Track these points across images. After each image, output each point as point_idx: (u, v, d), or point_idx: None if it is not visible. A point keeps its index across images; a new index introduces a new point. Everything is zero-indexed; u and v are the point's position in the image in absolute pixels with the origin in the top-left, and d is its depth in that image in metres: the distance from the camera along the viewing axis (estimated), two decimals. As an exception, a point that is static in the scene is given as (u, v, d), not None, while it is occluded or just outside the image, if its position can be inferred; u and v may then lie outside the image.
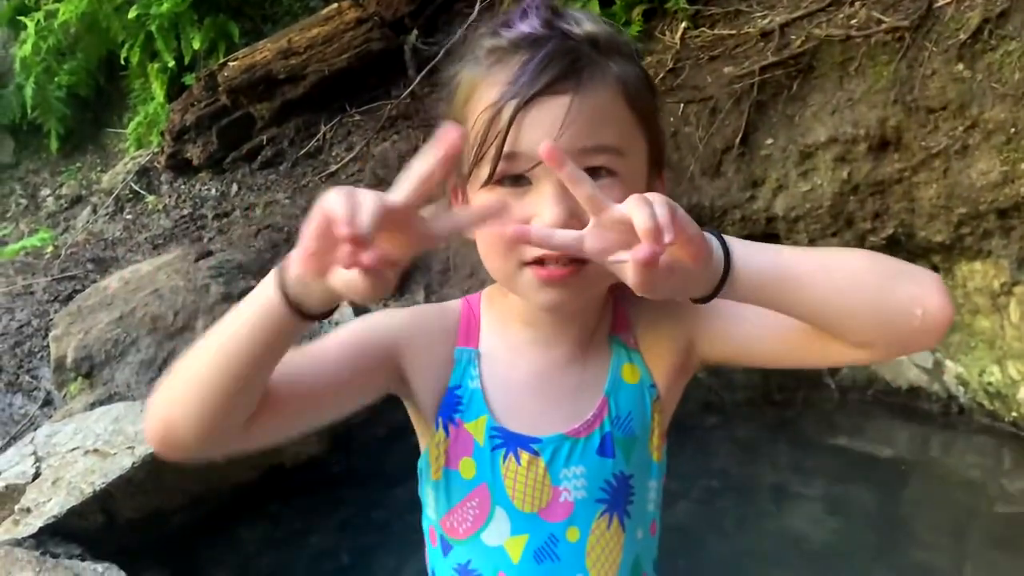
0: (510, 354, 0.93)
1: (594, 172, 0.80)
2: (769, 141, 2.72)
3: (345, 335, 0.92)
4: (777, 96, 2.74)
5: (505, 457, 0.90)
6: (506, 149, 0.82)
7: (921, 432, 2.73)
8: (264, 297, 0.74)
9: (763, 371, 2.80)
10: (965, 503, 2.45)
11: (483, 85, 0.85)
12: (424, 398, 0.93)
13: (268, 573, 1.97)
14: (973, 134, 2.45)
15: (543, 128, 0.80)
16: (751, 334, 0.88)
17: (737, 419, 2.69)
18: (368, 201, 0.67)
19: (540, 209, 0.81)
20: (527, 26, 0.84)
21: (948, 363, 2.77)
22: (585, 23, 0.86)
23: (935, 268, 2.71)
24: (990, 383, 2.61)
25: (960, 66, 2.46)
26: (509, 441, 0.90)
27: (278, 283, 0.73)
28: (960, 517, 2.43)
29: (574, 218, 0.78)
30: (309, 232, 0.67)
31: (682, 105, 2.86)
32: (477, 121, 0.84)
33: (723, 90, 2.78)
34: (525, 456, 0.89)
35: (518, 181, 0.83)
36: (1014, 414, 2.52)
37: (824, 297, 0.79)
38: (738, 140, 2.74)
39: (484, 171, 0.83)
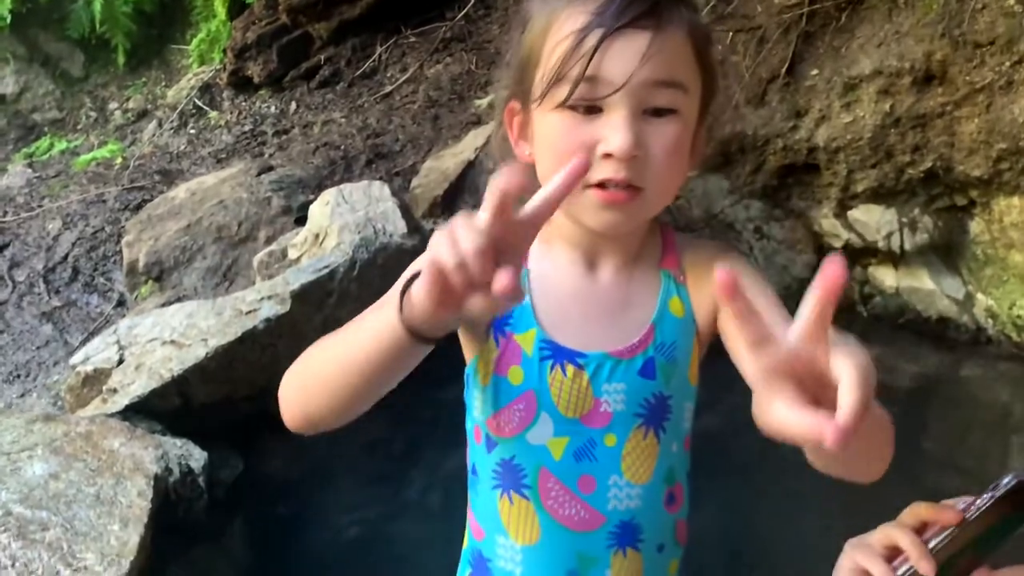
0: (557, 272, 0.99)
1: (659, 112, 0.90)
2: (814, 72, 2.76)
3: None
4: (825, 27, 2.77)
5: (552, 368, 0.96)
6: (588, 73, 0.86)
7: (949, 358, 2.81)
8: (388, 325, 0.80)
9: (797, 296, 2.90)
10: (989, 427, 2.54)
11: (564, 14, 0.89)
12: None
13: (325, 459, 2.15)
14: (1020, 70, 2.47)
15: (625, 58, 0.86)
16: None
17: (768, 341, 2.80)
18: (466, 237, 0.67)
19: (609, 135, 0.88)
20: None
21: (979, 296, 2.83)
22: None
23: (972, 203, 2.76)
24: (1020, 316, 2.67)
25: (1011, 0, 2.46)
26: (557, 353, 0.96)
27: (401, 317, 0.78)
28: (985, 441, 2.52)
29: (640, 147, 0.88)
30: (428, 286, 0.69)
31: (731, 34, 2.91)
32: (558, 47, 0.88)
33: (772, 20, 2.82)
34: (571, 368, 0.96)
35: (590, 109, 0.89)
36: (1040, 346, 2.60)
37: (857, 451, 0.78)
38: (784, 70, 2.78)
39: (561, 93, 0.89)
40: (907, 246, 2.83)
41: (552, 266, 0.99)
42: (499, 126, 1.01)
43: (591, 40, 0.86)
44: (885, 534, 0.84)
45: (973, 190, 2.73)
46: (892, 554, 0.83)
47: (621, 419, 0.97)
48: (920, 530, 0.82)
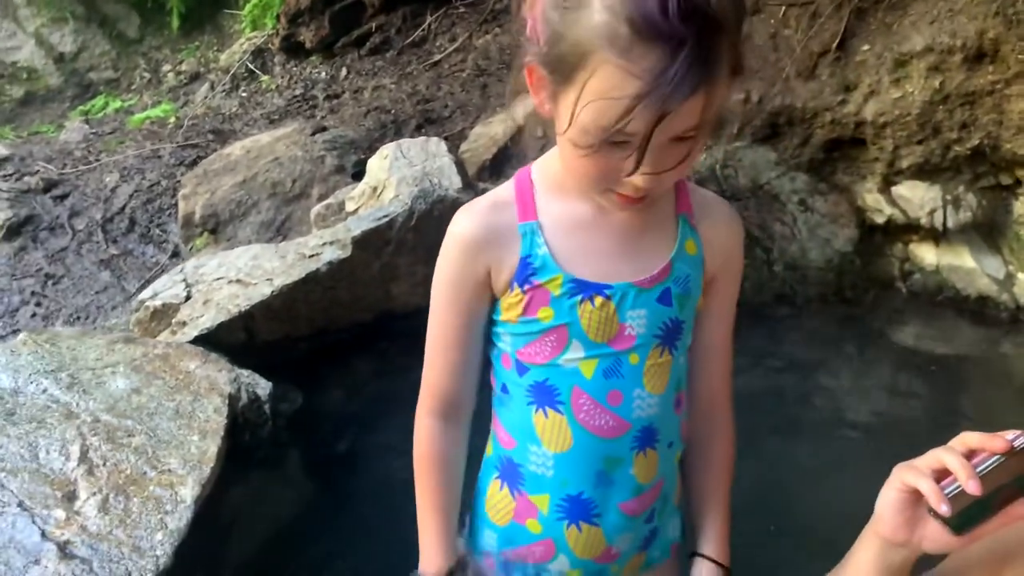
0: (574, 215, 1.06)
1: (682, 137, 0.91)
2: (865, 47, 2.80)
3: (451, 315, 1.12)
4: (878, 3, 2.81)
5: (581, 302, 1.05)
6: (627, 128, 0.87)
7: (987, 335, 2.84)
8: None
9: (838, 269, 2.95)
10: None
11: (611, 65, 0.85)
12: (500, 276, 1.07)
13: (379, 397, 2.24)
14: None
15: (671, 127, 0.88)
16: (699, 325, 1.15)
17: (808, 312, 2.85)
18: None
19: (632, 162, 0.92)
20: (662, 15, 0.82)
21: (1020, 275, 2.87)
22: None
23: (1017, 182, 2.79)
24: (1059, 295, 2.71)
25: (1066, -20, 2.49)
26: (584, 289, 1.05)
27: None
28: (1018, 414, 2.56)
29: (655, 179, 0.93)
30: None
31: (784, 7, 2.95)
32: (603, 101, 0.87)
33: (825, -6, 2.86)
34: (599, 299, 1.05)
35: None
36: (1079, 325, 2.63)
37: None
38: (835, 45, 2.82)
39: (592, 139, 0.90)
40: (950, 223, 2.86)
41: (568, 210, 1.06)
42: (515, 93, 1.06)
43: (644, 115, 0.85)
44: (934, 457, 0.89)
45: (1019, 170, 2.75)
46: (940, 476, 0.88)
47: (643, 340, 1.07)
48: (968, 456, 0.87)
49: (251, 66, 4.71)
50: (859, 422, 2.41)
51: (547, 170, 1.09)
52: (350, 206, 2.61)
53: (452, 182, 2.40)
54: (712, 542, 1.19)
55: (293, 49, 4.64)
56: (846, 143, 2.89)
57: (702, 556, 1.18)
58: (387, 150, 2.58)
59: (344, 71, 4.42)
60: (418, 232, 2.31)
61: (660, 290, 1.07)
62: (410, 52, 4.37)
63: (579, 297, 1.05)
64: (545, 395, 1.09)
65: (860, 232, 2.95)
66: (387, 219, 2.26)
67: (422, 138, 2.64)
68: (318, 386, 2.21)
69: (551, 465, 1.11)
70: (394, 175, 2.46)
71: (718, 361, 1.19)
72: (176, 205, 3.56)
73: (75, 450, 1.44)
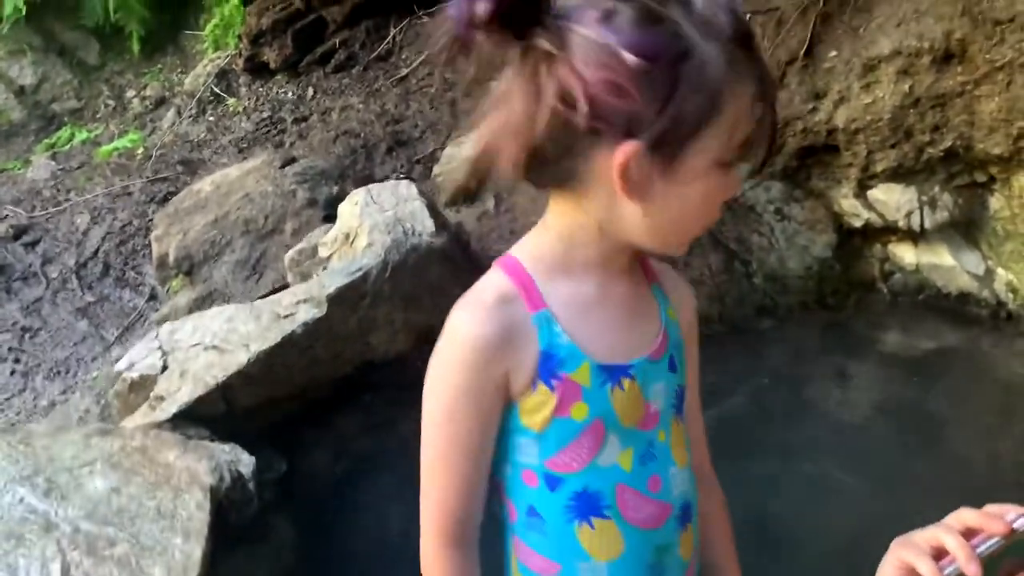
0: (582, 297, 1.01)
1: None
2: (833, 53, 2.77)
3: (466, 427, 0.99)
4: (843, 7, 2.78)
5: (612, 389, 0.99)
6: (749, 136, 0.90)
7: (969, 335, 2.85)
8: None
9: (818, 276, 2.94)
10: (1008, 403, 2.59)
11: (731, 89, 0.86)
12: (520, 376, 0.97)
13: (365, 454, 2.23)
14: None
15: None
16: None
17: (790, 322, 2.84)
18: None
19: (736, 186, 0.94)
20: (733, 20, 0.86)
21: (999, 271, 2.87)
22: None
23: (991, 179, 2.78)
24: (1039, 291, 2.72)
25: (1031, -23, 2.46)
26: (613, 374, 0.99)
27: None
28: (1002, 416, 2.58)
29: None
30: None
31: (748, 15, 2.91)
32: (744, 117, 0.88)
33: (790, 1, 2.82)
34: (626, 382, 0.99)
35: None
36: (1060, 321, 2.64)
37: None
38: (802, 52, 2.80)
39: (726, 153, 0.89)
40: (927, 224, 2.85)
41: (574, 291, 1.00)
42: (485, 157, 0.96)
43: (770, 109, 0.90)
44: (932, 534, 0.87)
45: (993, 167, 2.75)
46: (938, 554, 0.87)
47: (664, 414, 1.04)
48: (966, 535, 0.86)
49: (216, 89, 4.64)
50: (846, 438, 2.42)
51: (542, 255, 1.00)
52: (323, 252, 2.58)
53: (425, 227, 2.38)
54: None
55: (257, 69, 4.57)
56: (819, 150, 2.88)
57: None
58: (357, 196, 2.55)
59: (311, 90, 4.36)
60: (393, 282, 2.29)
61: (667, 359, 1.04)
62: (376, 67, 4.31)
63: (609, 384, 0.98)
64: (588, 504, 1.01)
65: (838, 237, 2.95)
66: (360, 272, 2.23)
67: (392, 182, 2.61)
68: (302, 449, 2.20)
69: (604, 574, 1.04)
70: (366, 221, 2.42)
71: (697, 426, 1.17)
72: (150, 245, 3.52)
73: (56, 569, 1.43)
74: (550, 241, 0.99)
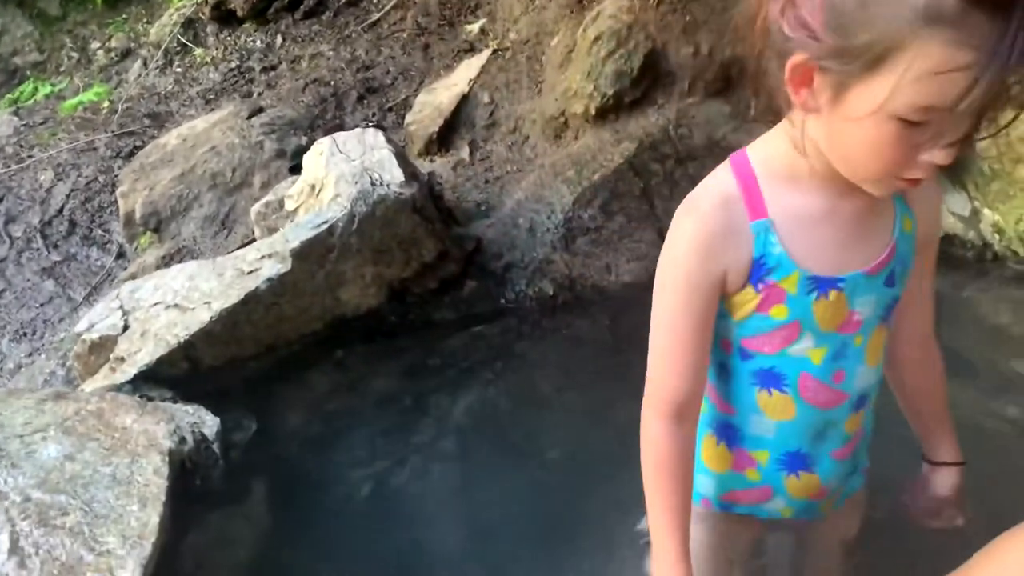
0: (809, 207, 1.03)
1: None
2: None
3: (686, 318, 1.05)
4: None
5: (817, 298, 1.05)
6: (936, 104, 0.83)
7: (953, 278, 2.80)
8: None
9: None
10: (988, 350, 2.54)
11: (938, 41, 0.80)
12: (735, 276, 1.04)
13: (337, 413, 2.17)
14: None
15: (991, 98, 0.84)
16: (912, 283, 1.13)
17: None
18: None
19: (936, 153, 0.88)
20: None
21: (985, 211, 2.80)
22: None
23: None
24: (1026, 231, 2.65)
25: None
26: (820, 285, 1.04)
27: None
28: (986, 358, 2.52)
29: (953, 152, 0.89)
30: None
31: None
32: (938, 76, 0.82)
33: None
34: (833, 293, 1.05)
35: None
36: (1047, 261, 2.58)
37: None
38: None
39: (903, 109, 0.86)
40: (913, 164, 2.78)
41: (799, 203, 1.03)
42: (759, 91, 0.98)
43: (984, 89, 0.81)
44: None
45: (980, 104, 2.66)
46: None
47: (868, 323, 1.09)
48: None
49: (183, 39, 4.48)
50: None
51: (772, 159, 1.03)
52: (289, 204, 2.49)
53: (393, 176, 2.28)
54: (947, 448, 1.28)
55: (225, 18, 4.42)
56: (802, 90, 2.78)
57: (942, 464, 1.28)
58: (322, 145, 2.45)
59: (280, 38, 4.21)
60: (362, 235, 2.20)
61: (887, 273, 1.07)
62: (347, 13, 4.16)
63: (815, 294, 1.04)
64: (771, 379, 1.11)
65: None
66: (326, 225, 2.15)
67: (358, 130, 2.50)
68: (272, 408, 2.13)
69: (772, 429, 1.15)
70: (332, 171, 2.33)
71: (926, 308, 1.21)
72: (116, 202, 3.41)
73: (4, 540, 1.36)
74: (782, 146, 1.01)
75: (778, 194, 1.02)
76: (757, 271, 1.03)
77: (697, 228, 1.03)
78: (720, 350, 1.13)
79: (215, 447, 1.80)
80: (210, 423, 1.83)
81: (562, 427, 2.16)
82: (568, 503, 1.91)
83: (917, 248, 1.11)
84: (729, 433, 1.19)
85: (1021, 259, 2.72)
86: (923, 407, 1.28)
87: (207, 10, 4.44)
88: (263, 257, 2.12)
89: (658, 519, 1.11)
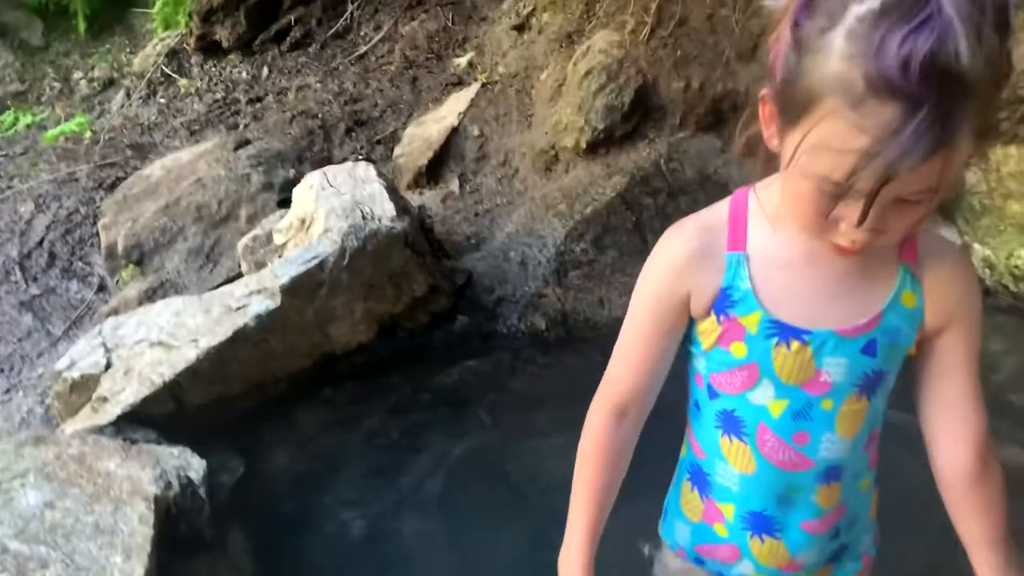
0: (786, 251, 1.00)
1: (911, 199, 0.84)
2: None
3: (647, 328, 1.08)
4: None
5: (777, 344, 1.01)
6: (854, 185, 0.82)
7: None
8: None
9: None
10: (988, 374, 2.53)
11: (840, 116, 0.79)
12: (700, 301, 1.04)
13: (326, 452, 2.11)
14: (1019, 15, 2.39)
15: (900, 188, 0.82)
16: (941, 381, 1.06)
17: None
18: None
19: (849, 230, 0.87)
20: (901, 73, 0.75)
21: (976, 246, 2.81)
22: (967, 55, 0.74)
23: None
24: (1017, 266, 2.65)
25: (1008, -57, 2.38)
26: (782, 331, 1.01)
27: None
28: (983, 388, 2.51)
29: (880, 228, 0.87)
30: None
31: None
32: (832, 151, 0.82)
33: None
34: (795, 344, 1.01)
35: None
36: (1038, 296, 2.58)
37: None
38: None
39: (816, 184, 0.86)
40: (904, 198, 2.78)
41: (781, 245, 1.01)
42: (745, 127, 0.98)
43: (864, 180, 0.80)
44: None
45: (970, 140, 2.67)
46: None
47: (839, 388, 1.04)
48: None
49: (167, 69, 4.44)
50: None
51: (769, 199, 1.02)
52: (278, 239, 2.44)
53: (385, 210, 2.25)
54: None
55: (210, 49, 4.39)
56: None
57: None
58: (312, 179, 2.41)
59: (266, 70, 4.19)
60: (353, 270, 2.16)
61: (865, 341, 1.02)
62: (334, 44, 4.15)
63: (775, 339, 1.02)
64: (732, 424, 1.10)
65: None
66: (317, 260, 2.11)
67: (349, 164, 2.47)
68: (260, 448, 2.08)
69: (736, 482, 1.13)
70: (322, 206, 2.29)
71: (969, 414, 1.07)
72: (98, 234, 3.35)
73: (-19, 595, 1.30)
74: (776, 186, 0.98)
75: (763, 233, 1.01)
76: (722, 301, 1.03)
77: (675, 247, 1.05)
78: (695, 385, 1.14)
79: (201, 491, 1.74)
80: (196, 466, 1.78)
81: (557, 465, 2.10)
82: (557, 542, 1.87)
83: (926, 332, 1.04)
84: (701, 480, 1.18)
85: (1012, 293, 2.72)
86: (973, 530, 1.11)
87: (192, 41, 4.41)
88: (252, 293, 2.08)
89: (576, 504, 1.14)
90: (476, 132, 3.11)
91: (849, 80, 0.78)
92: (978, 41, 0.74)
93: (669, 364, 1.12)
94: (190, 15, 4.41)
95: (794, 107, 0.84)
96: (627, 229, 2.55)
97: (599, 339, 2.51)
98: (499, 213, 2.80)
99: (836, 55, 0.79)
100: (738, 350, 1.04)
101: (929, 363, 1.06)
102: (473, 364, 2.40)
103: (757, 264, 1.01)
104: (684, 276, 1.04)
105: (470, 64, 3.57)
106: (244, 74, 4.22)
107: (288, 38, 4.22)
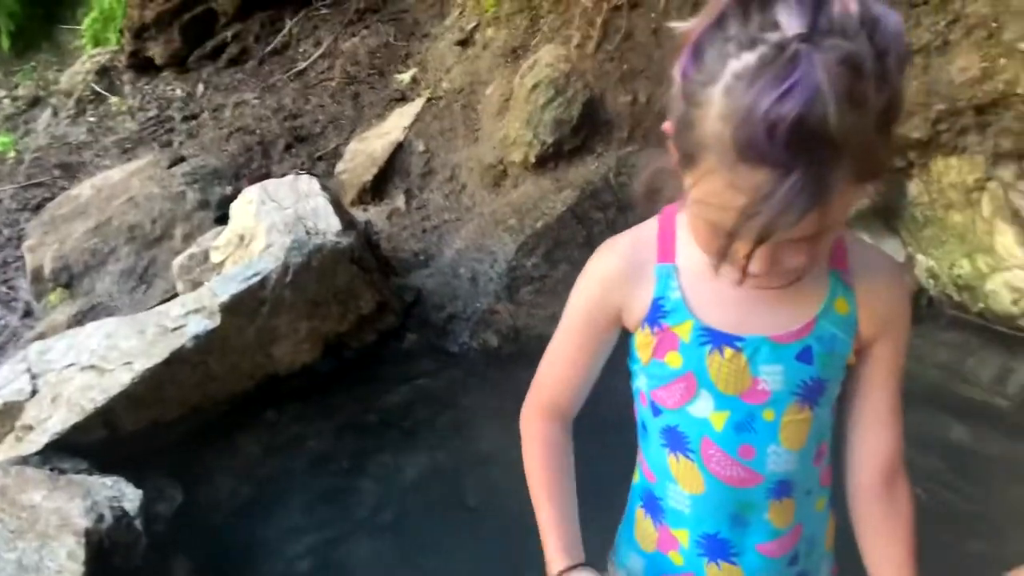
0: (711, 266, 0.97)
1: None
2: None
3: (578, 338, 1.11)
4: None
5: (711, 352, 1.02)
6: (719, 224, 0.84)
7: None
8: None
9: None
10: (934, 385, 2.55)
11: (719, 174, 0.81)
12: (632, 314, 1.07)
13: (271, 477, 2.01)
14: (954, 29, 2.44)
15: (782, 236, 0.81)
16: (860, 393, 1.09)
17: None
18: None
19: (737, 262, 0.88)
20: (768, 140, 0.75)
21: (920, 257, 2.84)
22: (835, 118, 0.74)
23: (910, 164, 2.75)
24: (959, 276, 2.69)
25: (944, -42, 2.43)
26: (715, 338, 1.02)
27: None
28: (928, 397, 2.53)
29: (773, 266, 0.88)
30: None
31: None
32: (715, 201, 0.83)
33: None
34: (728, 351, 1.01)
35: None
36: (980, 305, 2.61)
37: None
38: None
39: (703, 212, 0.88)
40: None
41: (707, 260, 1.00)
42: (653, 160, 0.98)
43: (748, 234, 0.80)
44: None
45: (911, 152, 2.71)
46: None
47: (779, 397, 1.03)
48: None
49: (97, 87, 4.29)
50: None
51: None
52: (216, 256, 2.34)
53: (330, 224, 2.17)
54: None
55: (142, 66, 4.25)
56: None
57: None
58: (251, 193, 2.32)
59: (201, 87, 4.07)
60: (296, 287, 2.08)
61: (799, 347, 1.02)
62: (272, 61, 4.05)
63: (709, 346, 1.02)
64: (676, 440, 1.10)
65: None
66: (258, 277, 2.02)
67: (290, 177, 2.39)
68: (200, 475, 1.97)
69: (688, 504, 1.12)
70: (262, 221, 2.20)
71: (888, 433, 1.10)
72: (23, 257, 3.19)
73: None
74: None
75: (691, 245, 1.00)
76: (654, 312, 1.05)
77: (605, 262, 1.08)
78: (640, 405, 1.14)
79: (137, 523, 1.64)
80: (131, 496, 1.67)
81: (511, 485, 2.04)
82: (519, 565, 1.80)
83: (862, 341, 1.05)
84: (654, 506, 1.17)
85: (955, 303, 2.76)
86: (881, 554, 1.11)
87: (123, 58, 4.27)
88: (189, 312, 1.98)
89: (542, 509, 1.12)
90: (422, 147, 3.05)
91: (724, 142, 0.78)
92: (848, 102, 0.74)
93: (596, 374, 1.15)
94: (121, 31, 4.28)
95: (685, 155, 0.85)
96: (578, 243, 2.52)
97: (551, 354, 2.46)
98: (447, 229, 2.74)
99: (714, 113, 0.79)
100: (673, 360, 1.04)
101: (854, 375, 1.08)
102: (423, 383, 2.32)
103: (687, 275, 1.03)
104: (615, 290, 1.06)
105: (413, 80, 3.51)
106: (178, 91, 4.09)
107: (224, 54, 4.11)
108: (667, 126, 0.89)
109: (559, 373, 1.15)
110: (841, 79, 0.73)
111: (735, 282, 0.91)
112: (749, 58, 0.76)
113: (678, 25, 0.85)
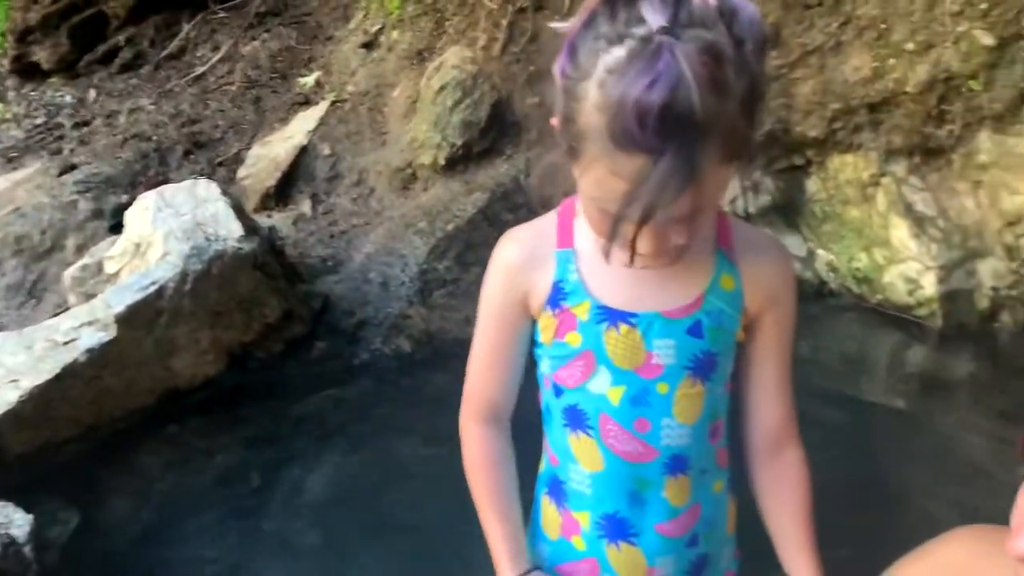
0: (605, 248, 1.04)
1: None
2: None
3: (494, 335, 1.17)
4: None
5: (607, 328, 1.08)
6: (608, 209, 0.90)
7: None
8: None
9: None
10: (832, 373, 2.62)
11: (601, 163, 0.87)
12: (535, 299, 1.13)
13: (174, 497, 1.92)
14: (847, 31, 2.52)
15: (663, 216, 0.88)
16: (750, 367, 1.16)
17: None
18: None
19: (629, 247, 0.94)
20: (639, 128, 0.81)
21: (820, 251, 2.93)
22: (698, 103, 0.80)
23: (808, 162, 2.83)
24: (858, 269, 2.78)
25: (835, -39, 2.51)
26: (611, 316, 1.08)
27: None
28: (831, 382, 2.60)
29: (661, 243, 0.95)
30: None
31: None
32: (597, 187, 0.91)
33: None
34: (624, 327, 1.08)
35: None
36: (879, 297, 2.70)
37: None
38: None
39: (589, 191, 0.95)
40: (751, 208, 2.87)
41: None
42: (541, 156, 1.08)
43: (632, 215, 0.87)
44: None
45: (809, 150, 2.79)
46: None
47: (672, 370, 1.09)
48: None
49: (-22, 94, 4.06)
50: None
51: None
52: (110, 267, 2.23)
53: (230, 230, 2.10)
54: None
55: (27, 71, 4.05)
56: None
57: None
58: (147, 200, 2.22)
59: (93, 93, 3.90)
60: (196, 296, 2.00)
61: (690, 322, 1.09)
62: (168, 66, 3.91)
63: (605, 323, 1.08)
64: (576, 418, 1.14)
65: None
66: (155, 287, 1.93)
67: (188, 182, 2.30)
68: (97, 497, 1.87)
69: (588, 484, 1.16)
70: (159, 228, 2.11)
71: (774, 402, 1.17)
72: None
73: None
74: None
75: (588, 231, 1.06)
76: (555, 295, 1.11)
77: (506, 254, 1.14)
78: (544, 388, 1.19)
79: (27, 550, 1.54)
80: (20, 522, 1.57)
81: (428, 496, 2.00)
82: (438, 576, 1.77)
83: (749, 317, 1.12)
84: (557, 490, 1.21)
85: (855, 295, 2.84)
86: (780, 525, 1.16)
87: (7, 63, 4.06)
88: (81, 325, 1.87)
89: (486, 518, 1.16)
90: (327, 151, 2.98)
91: (601, 132, 0.84)
92: (711, 87, 0.80)
93: (521, 369, 1.20)
94: (3, 35, 4.06)
95: (570, 147, 0.92)
96: (490, 245, 2.45)
97: (467, 357, 2.43)
98: (356, 234, 2.68)
99: (591, 106, 0.86)
100: (573, 339, 1.10)
101: (746, 349, 1.16)
102: (335, 392, 2.26)
103: (584, 258, 1.10)
104: (518, 278, 1.12)
105: (317, 83, 3.44)
106: (68, 97, 3.90)
107: (117, 59, 3.94)
108: (554, 121, 0.95)
109: (484, 375, 1.19)
110: (703, 67, 0.80)
111: (626, 263, 0.97)
112: (618, 52, 0.82)
113: (559, 25, 0.92)
